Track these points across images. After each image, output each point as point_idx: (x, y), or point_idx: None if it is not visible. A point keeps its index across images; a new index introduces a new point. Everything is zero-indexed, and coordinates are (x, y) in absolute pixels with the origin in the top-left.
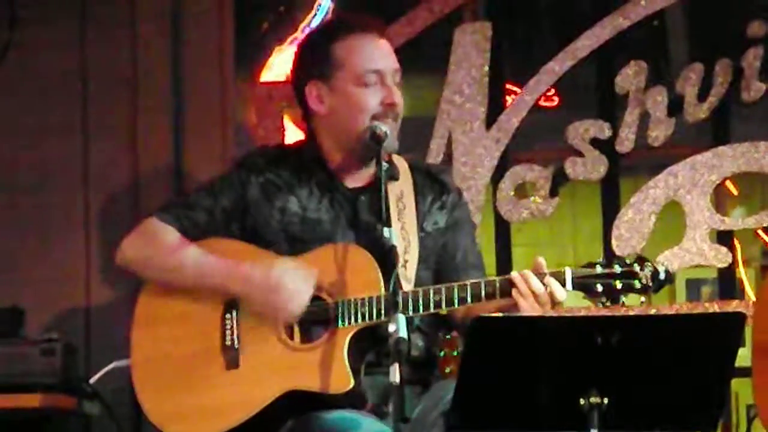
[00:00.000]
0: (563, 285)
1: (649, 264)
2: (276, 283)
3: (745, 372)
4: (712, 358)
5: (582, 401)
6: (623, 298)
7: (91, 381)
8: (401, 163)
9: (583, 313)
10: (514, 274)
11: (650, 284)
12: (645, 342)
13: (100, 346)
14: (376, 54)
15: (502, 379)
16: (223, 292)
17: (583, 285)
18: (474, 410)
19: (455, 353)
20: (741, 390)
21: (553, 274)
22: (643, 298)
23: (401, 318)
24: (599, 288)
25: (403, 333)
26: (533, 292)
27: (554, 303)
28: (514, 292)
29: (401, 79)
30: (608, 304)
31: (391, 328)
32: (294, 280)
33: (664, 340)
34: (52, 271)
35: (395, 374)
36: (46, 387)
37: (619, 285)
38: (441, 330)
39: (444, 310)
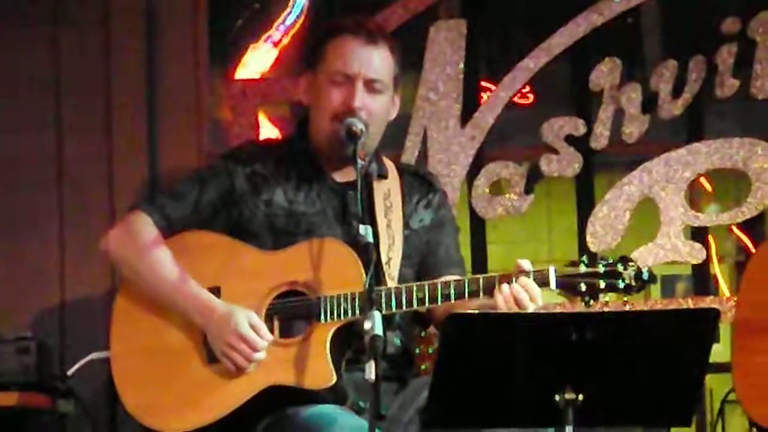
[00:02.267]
0: (547, 284)
1: (633, 264)
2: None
3: (719, 368)
4: (686, 354)
5: (557, 397)
6: (605, 297)
7: (69, 373)
8: (389, 165)
9: (558, 309)
10: (499, 274)
11: (633, 284)
12: (620, 338)
13: (75, 345)
14: (353, 58)
15: (477, 376)
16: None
17: (566, 284)
18: (449, 407)
19: (430, 350)
20: (715, 386)
21: (536, 273)
22: (625, 298)
23: (377, 315)
24: (583, 287)
25: (379, 330)
26: (515, 293)
27: (533, 302)
28: (495, 290)
29: (388, 89)
30: (591, 302)
31: (367, 325)
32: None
33: (638, 336)
34: (26, 269)
35: (371, 371)
36: (22, 385)
37: (602, 284)
38: (418, 327)
39: (426, 307)
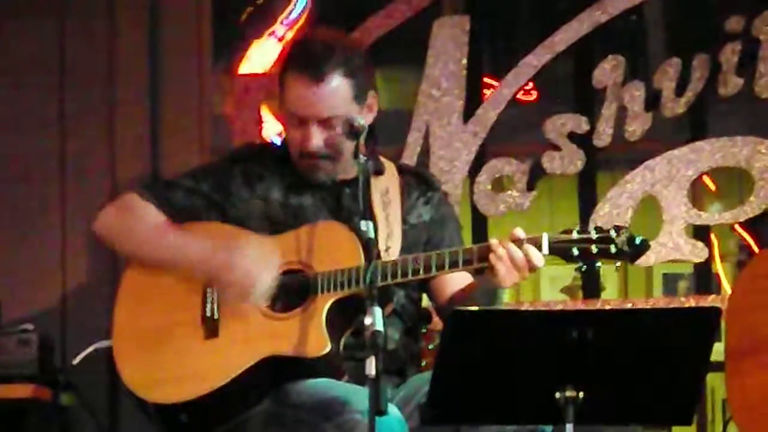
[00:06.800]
0: (540, 249)
1: (626, 230)
2: (237, 268)
3: (720, 367)
4: (687, 353)
5: (558, 395)
6: (599, 264)
7: (75, 362)
8: (388, 164)
9: (559, 307)
10: (492, 241)
11: (626, 249)
12: (621, 336)
13: (77, 338)
14: (301, 102)
15: (477, 372)
16: (196, 276)
17: (559, 249)
18: (449, 403)
19: (431, 346)
20: (717, 385)
21: (530, 240)
22: (618, 263)
23: (377, 311)
24: (575, 252)
25: (380, 326)
26: (511, 257)
27: (531, 268)
28: (491, 257)
29: (348, 113)
30: (584, 268)
31: (367, 321)
32: (256, 264)
33: (639, 334)
34: (29, 262)
35: (371, 367)
36: (23, 378)
37: (594, 249)
38: (419, 322)
39: (422, 277)
